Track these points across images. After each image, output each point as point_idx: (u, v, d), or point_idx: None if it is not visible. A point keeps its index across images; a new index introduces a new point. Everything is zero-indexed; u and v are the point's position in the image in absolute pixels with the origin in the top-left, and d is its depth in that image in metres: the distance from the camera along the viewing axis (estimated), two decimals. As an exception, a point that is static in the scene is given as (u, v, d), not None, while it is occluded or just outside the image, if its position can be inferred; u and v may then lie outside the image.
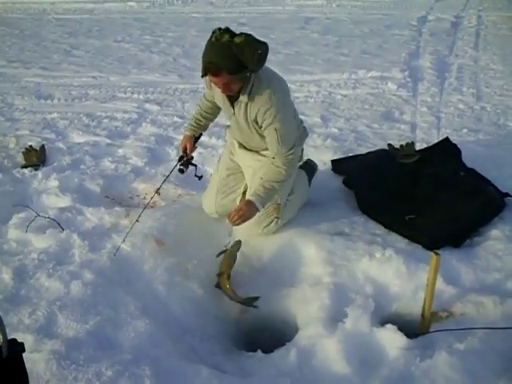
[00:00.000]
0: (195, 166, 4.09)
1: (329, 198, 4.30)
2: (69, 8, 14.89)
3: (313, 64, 9.03)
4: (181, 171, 4.01)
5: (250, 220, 3.68)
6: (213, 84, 3.59)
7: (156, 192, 4.11)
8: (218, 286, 3.55)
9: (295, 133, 3.74)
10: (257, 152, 3.96)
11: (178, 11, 14.47)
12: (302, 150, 4.02)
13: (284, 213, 3.93)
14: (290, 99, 3.72)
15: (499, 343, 2.82)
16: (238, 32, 3.30)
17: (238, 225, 3.64)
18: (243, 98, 3.52)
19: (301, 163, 4.17)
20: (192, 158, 4.09)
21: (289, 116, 3.65)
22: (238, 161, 4.11)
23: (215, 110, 4.07)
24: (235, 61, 3.23)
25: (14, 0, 15.97)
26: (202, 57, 3.33)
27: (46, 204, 4.40)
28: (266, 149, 3.82)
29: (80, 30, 12.10)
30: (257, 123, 3.63)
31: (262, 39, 3.36)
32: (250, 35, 3.28)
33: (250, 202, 3.62)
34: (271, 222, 3.89)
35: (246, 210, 3.60)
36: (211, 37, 3.27)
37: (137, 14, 14.18)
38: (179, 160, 4.04)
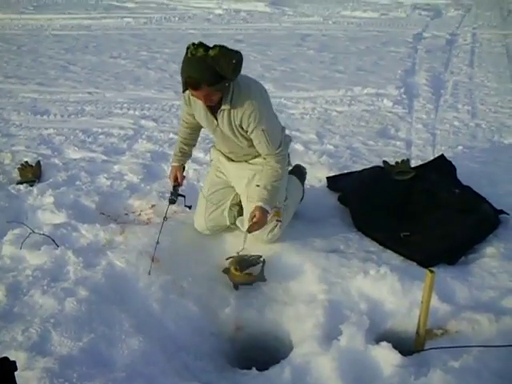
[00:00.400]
0: (183, 196, 4.16)
1: (324, 215, 4.30)
2: (66, 24, 14.90)
3: (308, 81, 9.05)
4: (172, 202, 4.10)
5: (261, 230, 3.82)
6: (192, 100, 3.73)
7: (164, 219, 4.08)
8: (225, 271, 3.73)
9: (280, 131, 3.85)
10: (246, 162, 4.00)
11: (174, 27, 14.49)
12: (289, 156, 4.05)
13: (283, 217, 3.96)
14: (269, 101, 3.79)
15: (494, 361, 2.82)
16: (234, 48, 3.39)
17: (255, 231, 3.74)
18: (225, 107, 3.59)
19: (290, 168, 4.24)
20: (179, 188, 4.18)
21: (272, 116, 3.79)
22: (227, 175, 4.12)
23: (195, 134, 4.17)
24: (212, 72, 3.31)
25: (12, 16, 15.98)
26: (181, 73, 3.41)
27: (41, 220, 4.39)
28: (255, 156, 3.93)
29: (77, 46, 12.10)
30: (242, 128, 3.69)
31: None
32: (223, 46, 3.35)
33: (260, 208, 3.70)
34: (275, 227, 3.94)
35: (261, 217, 3.68)
36: (186, 53, 3.34)
37: (134, 30, 14.20)
38: (173, 190, 4.12)
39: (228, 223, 4.17)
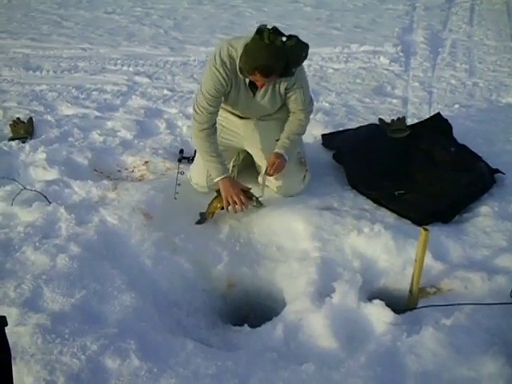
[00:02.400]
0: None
1: (318, 173, 4.27)
2: (59, -22, 14.70)
3: (305, 38, 8.63)
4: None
5: (289, 183, 4.02)
6: (232, 79, 3.61)
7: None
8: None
9: (309, 88, 3.92)
10: (259, 119, 4.01)
11: (170, -17, 14.31)
12: None
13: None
14: None
15: (486, 319, 2.82)
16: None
17: (273, 175, 3.84)
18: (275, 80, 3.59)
19: None
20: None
21: (306, 75, 3.86)
22: (238, 132, 4.06)
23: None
24: (285, 63, 3.32)
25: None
26: (251, 57, 3.32)
27: (33, 177, 4.36)
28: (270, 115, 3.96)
29: (70, 1, 11.88)
30: (285, 90, 3.73)
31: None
32: (296, 37, 3.31)
33: (279, 155, 3.80)
34: (305, 177, 4.10)
35: (279, 163, 3.78)
36: (262, 37, 3.22)
37: (128, -15, 14.01)
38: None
39: None
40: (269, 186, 4.03)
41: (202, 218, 3.89)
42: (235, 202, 3.71)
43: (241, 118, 4.00)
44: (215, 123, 3.80)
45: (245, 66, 3.39)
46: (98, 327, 2.77)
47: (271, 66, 3.30)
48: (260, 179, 4.04)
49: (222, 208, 3.79)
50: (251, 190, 3.87)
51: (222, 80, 3.55)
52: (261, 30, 3.25)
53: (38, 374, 2.45)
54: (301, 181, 4.03)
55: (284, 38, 3.24)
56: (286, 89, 3.71)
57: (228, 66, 3.50)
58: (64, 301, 2.93)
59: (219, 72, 3.52)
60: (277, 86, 3.67)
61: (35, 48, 8.39)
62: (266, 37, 3.21)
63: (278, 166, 3.77)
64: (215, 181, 3.80)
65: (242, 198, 3.71)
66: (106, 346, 2.61)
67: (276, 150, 3.81)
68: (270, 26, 3.27)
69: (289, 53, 3.25)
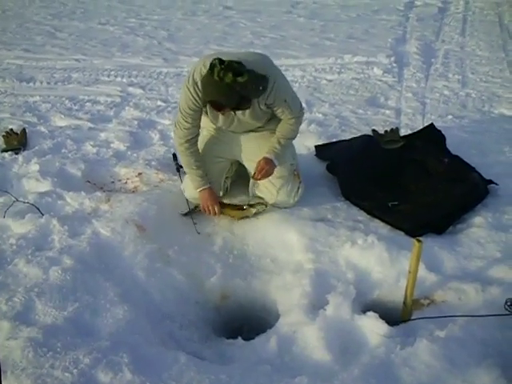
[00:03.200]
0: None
1: (312, 184, 4.26)
2: (53, -11, 14.71)
3: (298, 48, 8.96)
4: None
5: (283, 195, 3.97)
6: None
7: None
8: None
9: (296, 95, 3.87)
10: (252, 131, 4.00)
11: (163, -6, 14.34)
12: None
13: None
14: (280, 70, 3.76)
15: (480, 330, 2.82)
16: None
17: (260, 179, 3.86)
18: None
19: None
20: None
21: (287, 84, 3.81)
22: (230, 142, 4.04)
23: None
24: (238, 97, 3.30)
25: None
26: (203, 92, 3.40)
27: (25, 188, 4.34)
28: (261, 127, 3.97)
29: (64, 12, 11.92)
30: (266, 106, 3.70)
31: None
32: (251, 71, 3.28)
33: (268, 160, 3.81)
34: (298, 189, 4.04)
35: (268, 168, 3.80)
36: (212, 73, 3.23)
37: (122, -4, 14.02)
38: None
39: (221, 194, 4.13)
40: (263, 197, 4.02)
41: (191, 211, 4.05)
42: (209, 211, 3.97)
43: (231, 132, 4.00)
44: (194, 137, 3.83)
45: (202, 97, 3.49)
46: (91, 340, 2.75)
47: (220, 102, 3.34)
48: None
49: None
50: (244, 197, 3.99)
51: (192, 99, 3.58)
52: (212, 66, 3.25)
53: (29, 389, 2.42)
54: (294, 193, 4.01)
55: (236, 74, 3.21)
56: (267, 106, 3.70)
57: (199, 85, 3.50)
58: (56, 314, 2.91)
59: (190, 92, 3.56)
60: (256, 105, 3.64)
61: (29, 59, 8.39)
62: (216, 73, 3.21)
63: (266, 171, 3.79)
64: (197, 191, 3.97)
65: (215, 208, 3.96)
66: (98, 359, 2.59)
67: (265, 155, 3.82)
68: (226, 59, 3.27)
69: (240, 89, 3.23)
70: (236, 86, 3.20)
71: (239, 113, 3.67)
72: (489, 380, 2.48)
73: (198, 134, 3.86)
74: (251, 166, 4.02)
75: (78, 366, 2.55)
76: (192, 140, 3.82)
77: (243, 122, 3.80)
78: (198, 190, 3.95)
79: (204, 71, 3.41)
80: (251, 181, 4.00)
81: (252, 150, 3.99)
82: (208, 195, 3.95)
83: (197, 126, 3.79)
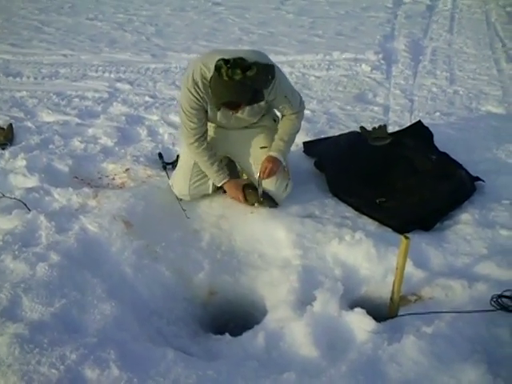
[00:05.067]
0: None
1: (300, 180, 4.26)
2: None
3: (287, 45, 8.96)
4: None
5: (273, 191, 3.97)
6: (207, 100, 3.63)
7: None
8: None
9: (296, 90, 3.89)
10: (246, 127, 4.02)
11: (152, -11, 14.29)
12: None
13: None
14: (277, 66, 3.72)
15: (466, 327, 2.83)
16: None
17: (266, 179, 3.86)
18: None
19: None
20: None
21: (286, 79, 3.79)
22: (222, 138, 4.05)
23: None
24: (251, 92, 3.33)
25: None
26: (215, 95, 3.38)
27: (12, 184, 4.30)
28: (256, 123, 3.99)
29: (51, 7, 11.83)
30: (265, 102, 3.73)
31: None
32: (258, 63, 3.30)
33: (274, 158, 3.84)
34: (287, 185, 4.03)
35: (273, 166, 3.82)
36: (220, 74, 3.23)
37: (110, -9, 13.96)
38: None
39: (210, 191, 4.14)
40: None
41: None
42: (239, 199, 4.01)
43: (223, 127, 4.00)
44: (202, 135, 3.83)
45: (213, 101, 3.49)
46: (78, 336, 2.74)
47: (236, 101, 3.36)
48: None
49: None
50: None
51: (194, 99, 3.59)
52: (218, 67, 3.25)
53: (15, 385, 2.41)
54: (283, 189, 4.01)
55: (245, 70, 3.22)
56: (266, 102, 3.72)
57: (200, 86, 3.52)
58: (43, 310, 2.89)
59: (191, 93, 3.56)
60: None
61: (15, 54, 8.33)
62: (224, 73, 3.21)
63: (270, 170, 3.80)
64: (218, 185, 4.02)
65: (244, 196, 3.99)
66: (85, 355, 2.58)
67: (270, 153, 3.85)
68: (230, 58, 3.28)
69: (252, 83, 3.25)
70: (247, 80, 3.22)
71: (240, 110, 3.67)
72: (475, 376, 2.49)
73: (205, 131, 3.86)
74: (242, 163, 4.09)
75: (64, 362, 2.53)
76: (201, 138, 3.82)
77: (240, 118, 3.81)
78: (221, 184, 4.00)
79: (205, 70, 3.44)
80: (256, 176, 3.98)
81: (243, 147, 4.02)
82: (234, 187, 4.01)
83: (203, 124, 3.80)
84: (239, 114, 3.73)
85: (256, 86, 3.32)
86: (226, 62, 3.24)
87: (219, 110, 3.61)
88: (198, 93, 3.55)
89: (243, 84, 3.23)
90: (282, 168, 3.95)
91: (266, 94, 3.57)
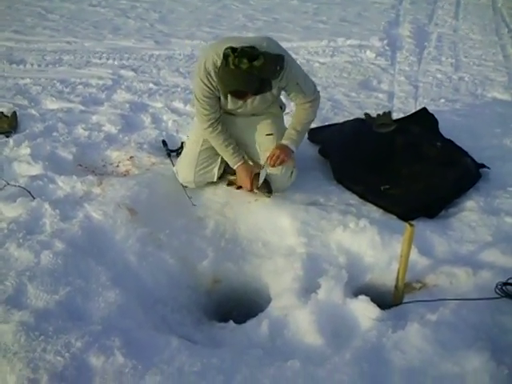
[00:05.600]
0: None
1: (304, 167, 4.26)
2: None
3: (291, 31, 8.93)
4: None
5: (278, 179, 3.95)
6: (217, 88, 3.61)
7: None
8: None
9: (309, 78, 3.86)
10: (254, 115, 4.01)
11: (155, -25, 14.23)
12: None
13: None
14: (288, 53, 3.72)
15: (471, 314, 2.82)
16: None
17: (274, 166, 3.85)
18: None
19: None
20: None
21: (298, 66, 3.75)
22: (234, 126, 4.03)
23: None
24: (258, 82, 3.31)
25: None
26: (222, 83, 3.38)
27: (17, 172, 4.31)
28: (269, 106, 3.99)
29: (55, -7, 11.85)
30: (278, 89, 3.77)
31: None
32: (266, 53, 3.28)
33: (284, 146, 3.85)
34: (292, 173, 4.01)
35: (282, 153, 3.81)
36: (227, 62, 3.23)
37: (113, -23, 13.92)
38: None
39: (215, 179, 4.15)
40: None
41: (230, 182, 4.17)
42: (246, 186, 3.96)
43: (231, 114, 3.98)
44: (216, 120, 3.82)
45: (221, 89, 3.51)
46: (83, 324, 2.74)
47: (242, 90, 3.36)
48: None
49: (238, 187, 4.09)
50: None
51: (207, 88, 3.59)
52: (226, 55, 3.24)
53: (20, 373, 2.41)
54: (288, 177, 4.00)
55: (252, 59, 3.21)
56: (279, 89, 3.73)
57: (212, 75, 3.50)
58: (48, 298, 2.89)
59: (203, 82, 3.56)
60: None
61: (19, 41, 8.32)
62: (231, 62, 3.20)
63: (277, 157, 3.80)
64: (234, 167, 3.98)
65: (251, 183, 3.93)
66: (90, 343, 2.58)
67: (281, 141, 3.86)
68: (238, 46, 3.27)
69: (259, 72, 3.24)
70: (253, 70, 3.21)
71: (249, 100, 3.69)
72: (479, 363, 2.49)
73: (220, 116, 3.85)
74: (247, 150, 4.07)
75: (69, 349, 2.54)
76: (214, 123, 3.81)
77: (251, 107, 3.82)
78: (235, 167, 3.97)
79: (216, 59, 3.42)
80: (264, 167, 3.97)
81: (248, 134, 4.02)
82: (245, 171, 3.94)
83: (216, 110, 3.80)
84: (250, 103, 3.73)
85: (263, 76, 3.30)
86: (234, 50, 3.23)
87: (226, 98, 3.61)
88: (210, 82, 3.55)
89: (250, 73, 3.22)
90: (292, 157, 3.94)
91: (274, 84, 3.56)
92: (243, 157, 3.99)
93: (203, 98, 3.65)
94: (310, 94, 3.79)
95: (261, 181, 3.91)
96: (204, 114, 3.74)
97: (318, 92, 3.91)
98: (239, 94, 3.43)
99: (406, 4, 10.92)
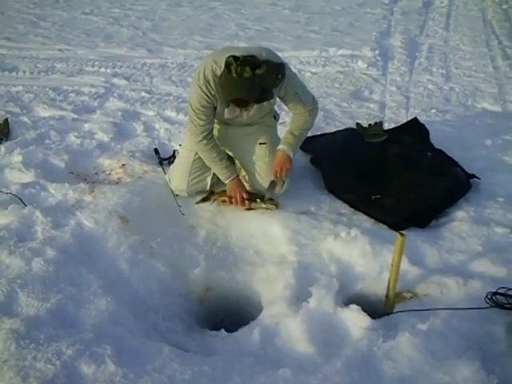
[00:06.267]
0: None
1: (296, 177, 4.27)
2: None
3: (283, 41, 8.95)
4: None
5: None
6: (216, 97, 3.61)
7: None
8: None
9: (307, 88, 3.88)
10: (247, 125, 4.01)
11: (148, -16, 14.26)
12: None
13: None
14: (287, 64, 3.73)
15: (461, 324, 2.84)
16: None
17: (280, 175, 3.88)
18: None
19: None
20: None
21: (296, 76, 3.77)
22: (226, 137, 4.05)
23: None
24: (260, 90, 3.33)
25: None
26: (224, 91, 3.38)
27: (8, 179, 4.30)
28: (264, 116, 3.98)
29: (47, 1, 11.78)
30: (279, 98, 3.77)
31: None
32: (268, 61, 3.31)
33: (282, 153, 3.85)
34: (284, 182, 4.00)
35: (284, 162, 3.83)
36: (229, 71, 3.24)
37: (106, -14, 13.93)
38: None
39: (208, 188, 4.15)
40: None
41: (207, 197, 4.09)
42: (237, 200, 3.92)
43: (225, 123, 3.99)
44: (210, 133, 3.82)
45: (222, 98, 3.49)
46: (74, 332, 2.74)
47: (244, 98, 3.36)
48: (247, 185, 4.08)
49: (224, 201, 4.05)
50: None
51: (205, 97, 3.57)
52: (228, 64, 3.25)
53: (11, 381, 2.40)
54: (280, 186, 4.00)
55: (254, 68, 3.23)
56: (279, 98, 3.74)
57: (211, 83, 3.50)
58: (39, 305, 2.89)
59: (202, 90, 3.54)
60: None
61: (11, 48, 8.32)
62: (234, 70, 3.22)
63: (285, 168, 3.84)
64: (226, 182, 3.96)
65: (244, 195, 3.92)
66: (81, 351, 2.57)
67: (278, 147, 3.87)
68: (240, 55, 3.28)
69: (261, 81, 3.26)
70: (256, 78, 3.23)
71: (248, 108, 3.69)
72: (469, 372, 2.50)
73: (212, 128, 3.85)
74: (239, 159, 4.10)
75: (60, 357, 2.53)
76: (208, 135, 3.81)
77: (247, 117, 3.83)
78: (227, 181, 3.94)
79: (216, 67, 3.43)
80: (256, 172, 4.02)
81: (240, 143, 4.03)
82: (236, 185, 3.94)
83: (211, 121, 3.79)
84: (247, 112, 3.75)
85: (265, 85, 3.32)
86: (236, 58, 3.24)
87: (228, 106, 3.59)
88: (209, 91, 3.54)
89: (252, 82, 3.23)
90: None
91: (275, 93, 3.58)
92: (235, 171, 4.00)
93: (200, 107, 3.63)
94: (308, 104, 3.80)
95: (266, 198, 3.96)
96: (199, 124, 3.72)
97: (317, 102, 3.93)
98: (241, 103, 3.44)
99: (398, 15, 10.98)
